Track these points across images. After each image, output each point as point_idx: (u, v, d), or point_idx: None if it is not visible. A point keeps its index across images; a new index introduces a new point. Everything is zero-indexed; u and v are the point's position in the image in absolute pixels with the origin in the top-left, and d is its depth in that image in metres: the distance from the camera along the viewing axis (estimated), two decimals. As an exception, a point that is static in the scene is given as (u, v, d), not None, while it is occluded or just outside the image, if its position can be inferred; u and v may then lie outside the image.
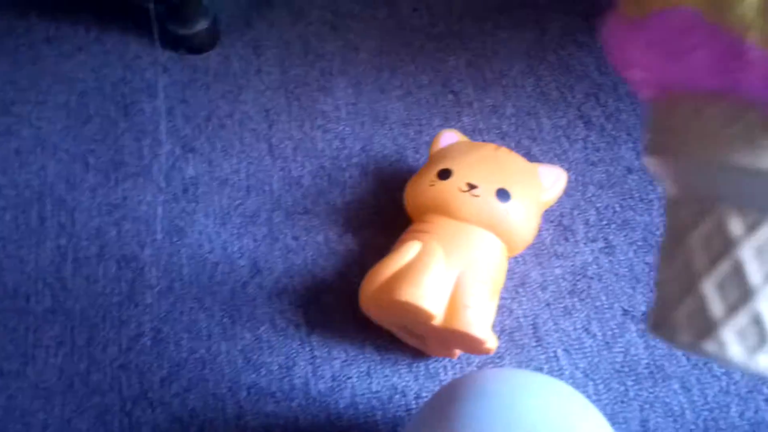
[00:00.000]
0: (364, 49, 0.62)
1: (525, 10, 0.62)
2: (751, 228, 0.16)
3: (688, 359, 0.45)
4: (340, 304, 0.49)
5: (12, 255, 0.53)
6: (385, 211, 0.53)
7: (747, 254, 0.16)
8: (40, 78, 0.62)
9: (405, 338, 0.47)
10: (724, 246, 0.16)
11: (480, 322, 0.42)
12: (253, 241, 0.52)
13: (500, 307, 0.47)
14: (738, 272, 0.16)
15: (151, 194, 0.55)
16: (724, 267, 0.16)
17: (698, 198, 0.17)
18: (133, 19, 0.65)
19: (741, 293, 0.16)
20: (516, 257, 0.48)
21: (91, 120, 0.60)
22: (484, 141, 0.55)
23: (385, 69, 0.61)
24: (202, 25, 0.62)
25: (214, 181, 0.55)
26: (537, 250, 0.49)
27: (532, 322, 0.47)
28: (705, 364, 0.44)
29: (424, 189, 0.47)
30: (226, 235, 0.53)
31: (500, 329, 0.47)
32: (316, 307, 0.49)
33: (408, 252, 0.44)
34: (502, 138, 0.55)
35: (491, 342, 0.43)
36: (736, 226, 0.17)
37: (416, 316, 0.43)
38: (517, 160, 0.48)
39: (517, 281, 0.48)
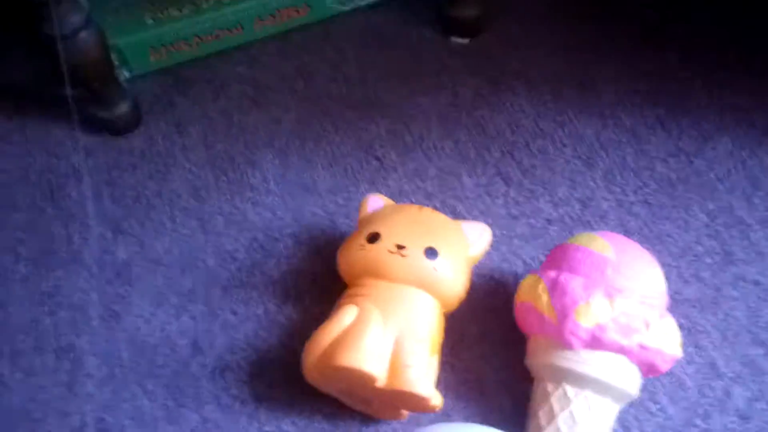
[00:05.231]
0: (286, 120, 0.64)
1: (437, 75, 0.66)
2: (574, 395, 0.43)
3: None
4: (285, 376, 0.49)
5: (-62, 356, 0.51)
6: (321, 278, 0.54)
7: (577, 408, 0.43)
8: (-42, 171, 0.61)
9: (353, 404, 0.48)
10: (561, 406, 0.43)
11: (423, 380, 0.44)
12: (191, 319, 0.52)
13: (442, 364, 0.48)
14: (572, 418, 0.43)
15: (84, 280, 0.55)
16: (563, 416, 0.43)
17: (551, 380, 0.44)
18: (53, 105, 0.65)
19: None
20: (453, 314, 0.50)
21: (18, 209, 0.59)
22: (410, 202, 0.58)
23: (308, 139, 0.63)
24: (123, 107, 0.63)
25: (148, 262, 0.55)
26: (472, 305, 0.51)
27: (475, 376, 0.49)
28: (640, 402, 0.47)
29: (355, 253, 0.48)
30: (164, 316, 0.53)
31: (445, 386, 0.48)
32: (261, 380, 0.49)
33: (345, 317, 0.45)
34: (428, 198, 0.58)
35: (436, 399, 0.44)
36: (570, 392, 0.43)
37: (360, 380, 0.44)
38: (441, 219, 0.50)
39: (456, 337, 0.50)
